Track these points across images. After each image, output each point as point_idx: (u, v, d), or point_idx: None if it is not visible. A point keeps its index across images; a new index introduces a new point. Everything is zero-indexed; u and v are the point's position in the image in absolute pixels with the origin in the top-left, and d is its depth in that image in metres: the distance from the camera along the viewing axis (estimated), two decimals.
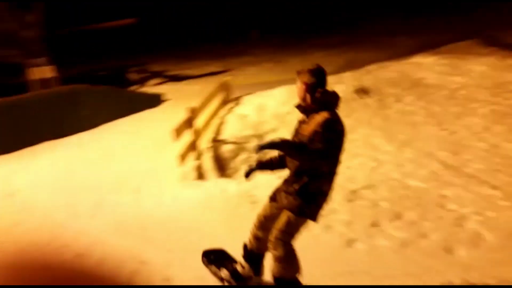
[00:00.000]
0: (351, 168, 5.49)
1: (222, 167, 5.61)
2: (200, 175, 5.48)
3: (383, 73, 10.06)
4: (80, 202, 5.18)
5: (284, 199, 2.90)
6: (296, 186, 2.82)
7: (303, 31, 22.20)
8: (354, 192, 4.78)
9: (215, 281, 3.31)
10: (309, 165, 2.78)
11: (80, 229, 4.55)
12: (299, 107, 2.98)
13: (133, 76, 14.28)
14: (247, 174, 3.13)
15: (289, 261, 2.86)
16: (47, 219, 4.84)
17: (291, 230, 2.84)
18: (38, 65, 9.34)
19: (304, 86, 2.87)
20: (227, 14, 22.30)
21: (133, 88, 12.13)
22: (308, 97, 2.87)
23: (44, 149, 7.12)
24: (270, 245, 2.90)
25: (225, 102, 8.56)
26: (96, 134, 7.80)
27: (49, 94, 8.18)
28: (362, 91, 8.30)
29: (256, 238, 3.13)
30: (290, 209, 2.83)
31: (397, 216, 4.23)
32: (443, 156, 5.65)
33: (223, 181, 5.31)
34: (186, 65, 16.27)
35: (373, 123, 7.16)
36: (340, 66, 11.89)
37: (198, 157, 5.82)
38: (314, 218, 2.87)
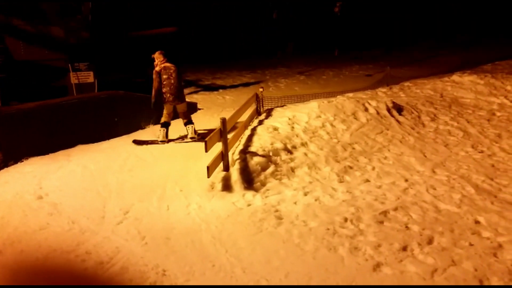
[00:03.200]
0: (381, 187, 5.36)
1: (249, 180, 5.60)
2: (228, 187, 5.48)
3: (419, 90, 9.87)
4: (107, 208, 5.22)
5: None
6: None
7: (340, 45, 22.08)
8: (383, 213, 4.65)
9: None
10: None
11: (106, 236, 4.57)
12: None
13: None
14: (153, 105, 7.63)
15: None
16: (73, 224, 4.84)
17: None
18: (80, 70, 9.70)
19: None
20: (265, 26, 22.46)
21: None
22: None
23: (77, 152, 7.32)
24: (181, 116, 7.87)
25: (257, 114, 8.58)
26: (129, 140, 7.96)
27: (87, 98, 8.44)
28: (396, 108, 8.14)
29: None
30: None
31: (428, 241, 4.08)
32: (477, 180, 5.46)
33: (250, 194, 5.29)
34: (219, 75, 16.49)
35: (406, 141, 7.00)
36: (375, 82, 11.74)
37: (227, 168, 5.84)
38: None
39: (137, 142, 7.73)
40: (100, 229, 4.71)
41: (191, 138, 7.77)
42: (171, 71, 7.50)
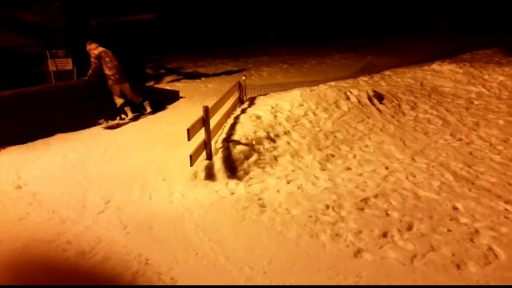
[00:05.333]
0: (362, 175, 5.43)
1: (232, 168, 5.59)
2: (210, 176, 5.47)
3: (400, 79, 9.97)
4: (88, 198, 5.16)
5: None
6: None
7: (323, 33, 22.10)
8: (364, 200, 4.72)
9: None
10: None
11: (87, 225, 4.52)
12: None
13: (149, 71, 14.37)
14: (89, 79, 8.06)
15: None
16: (53, 214, 4.77)
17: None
18: (58, 57, 9.44)
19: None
20: (248, 14, 22.32)
21: (149, 84, 12.21)
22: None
23: (56, 141, 7.18)
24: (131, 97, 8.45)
25: (239, 102, 8.55)
26: (110, 128, 7.85)
27: (66, 86, 8.26)
28: (377, 97, 8.22)
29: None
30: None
31: (408, 227, 4.16)
32: (456, 167, 5.57)
33: (233, 183, 5.29)
34: (202, 63, 16.32)
35: (386, 130, 7.09)
36: (357, 71, 11.81)
37: (210, 157, 5.82)
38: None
39: (109, 127, 7.97)
40: (81, 219, 4.65)
41: (148, 112, 8.57)
42: (110, 54, 8.08)
